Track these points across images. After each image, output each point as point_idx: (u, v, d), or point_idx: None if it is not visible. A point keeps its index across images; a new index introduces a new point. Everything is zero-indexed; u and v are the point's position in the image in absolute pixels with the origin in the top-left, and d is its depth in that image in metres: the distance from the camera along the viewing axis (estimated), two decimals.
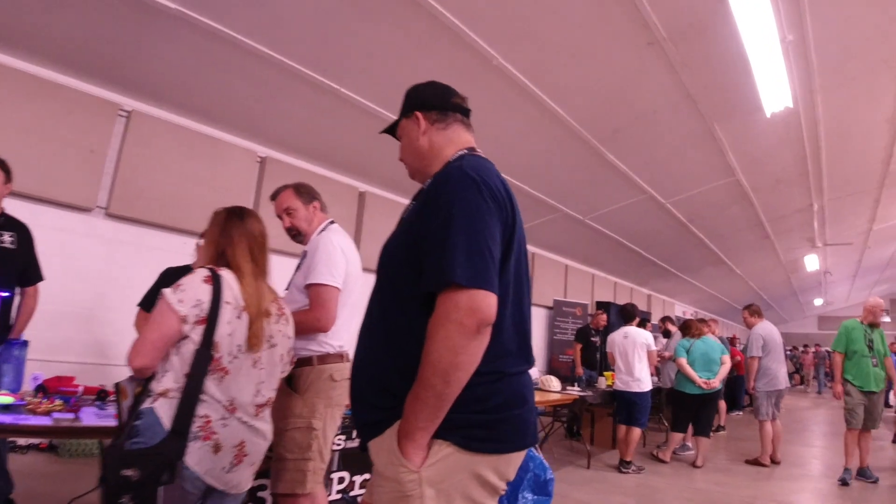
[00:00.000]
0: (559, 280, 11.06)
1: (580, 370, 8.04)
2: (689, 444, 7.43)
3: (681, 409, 6.83)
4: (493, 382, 1.37)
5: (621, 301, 13.07)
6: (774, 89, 5.98)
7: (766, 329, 6.98)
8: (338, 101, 5.17)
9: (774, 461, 6.80)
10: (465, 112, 1.69)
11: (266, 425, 2.11)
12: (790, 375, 17.31)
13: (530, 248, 10.10)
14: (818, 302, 25.71)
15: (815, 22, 4.92)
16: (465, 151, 1.58)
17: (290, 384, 2.55)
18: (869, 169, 9.11)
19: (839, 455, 6.58)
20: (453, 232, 1.31)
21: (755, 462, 6.72)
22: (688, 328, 7.02)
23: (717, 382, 6.46)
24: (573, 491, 5.32)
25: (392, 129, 1.74)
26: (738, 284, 16.89)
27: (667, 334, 8.22)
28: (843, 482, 5.85)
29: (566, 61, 5.10)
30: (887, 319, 9.23)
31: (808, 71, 5.87)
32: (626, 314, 6.63)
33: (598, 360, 8.41)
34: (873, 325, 6.13)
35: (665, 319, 8.54)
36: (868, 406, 5.97)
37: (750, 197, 8.89)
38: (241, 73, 4.83)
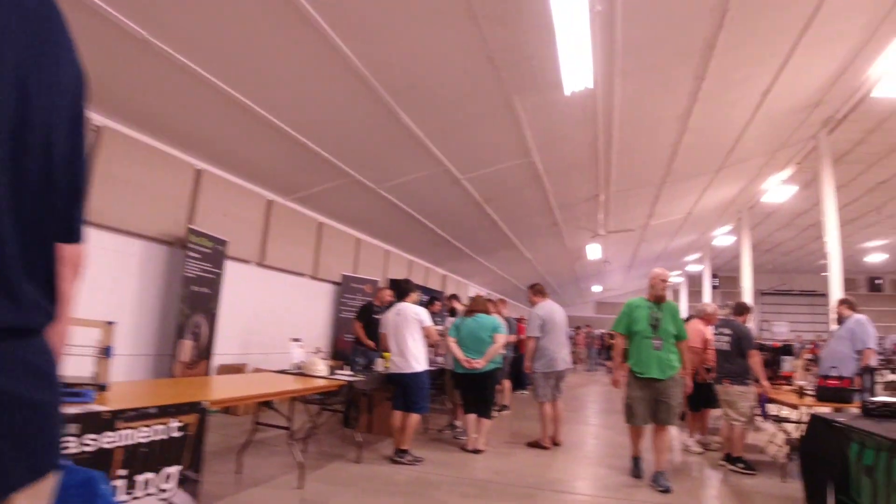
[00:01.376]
0: (349, 254, 10.31)
1: (370, 344, 7.39)
2: (458, 423, 7.14)
3: (460, 390, 6.51)
4: None
5: (417, 281, 12.71)
6: (577, 65, 5.72)
7: (546, 309, 6.82)
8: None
9: (556, 443, 6.71)
10: None
11: None
12: None
13: (316, 215, 9.18)
14: (596, 288, 28.11)
15: None
16: None
17: None
18: (654, 164, 9.57)
19: (617, 433, 6.61)
20: None
21: (536, 444, 6.56)
22: (471, 305, 6.67)
23: (480, 362, 6.11)
24: (334, 494, 4.60)
25: None
26: (528, 269, 17.58)
27: (453, 313, 7.82)
28: (636, 475, 5.35)
29: None
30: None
31: (612, 50, 5.70)
32: (400, 290, 6.06)
33: (381, 339, 7.86)
34: (659, 301, 5.40)
35: (452, 297, 8.14)
36: (655, 397, 5.19)
37: (542, 180, 8.86)
38: None
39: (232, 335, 7.48)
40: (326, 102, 5.89)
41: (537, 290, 7.10)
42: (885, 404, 3.98)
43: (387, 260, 11.82)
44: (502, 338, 6.38)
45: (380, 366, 6.07)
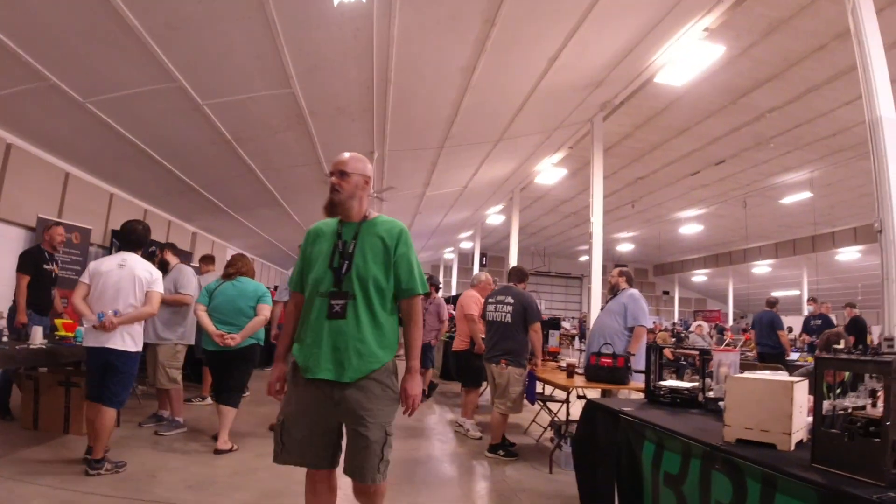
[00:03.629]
0: (52, 191, 7.93)
1: (23, 317, 5.37)
2: (164, 413, 5.69)
3: (211, 370, 5.23)
4: None
5: (159, 238, 10.52)
6: None
7: None
8: None
9: None
10: None
11: None
12: None
13: (0, 132, 6.81)
14: None
15: None
16: None
17: None
18: (434, 124, 8.68)
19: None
20: None
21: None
22: (230, 265, 5.26)
23: (237, 338, 4.79)
24: None
25: None
26: (297, 233, 15.98)
27: (163, 266, 5.83)
28: None
29: None
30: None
31: None
32: (127, 237, 4.36)
33: (53, 298, 5.88)
34: (349, 218, 2.61)
35: (167, 247, 6.12)
36: (334, 417, 2.48)
37: (308, 122, 7.48)
38: None
39: None
40: None
41: None
42: (674, 390, 3.35)
43: (111, 205, 9.50)
44: (267, 309, 5.12)
45: (37, 337, 4.30)
